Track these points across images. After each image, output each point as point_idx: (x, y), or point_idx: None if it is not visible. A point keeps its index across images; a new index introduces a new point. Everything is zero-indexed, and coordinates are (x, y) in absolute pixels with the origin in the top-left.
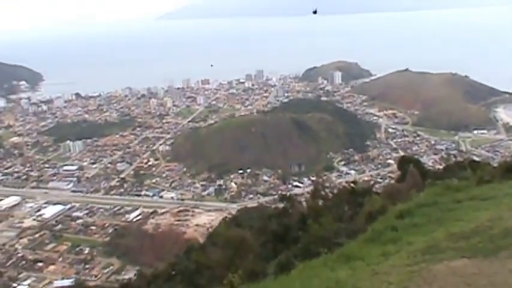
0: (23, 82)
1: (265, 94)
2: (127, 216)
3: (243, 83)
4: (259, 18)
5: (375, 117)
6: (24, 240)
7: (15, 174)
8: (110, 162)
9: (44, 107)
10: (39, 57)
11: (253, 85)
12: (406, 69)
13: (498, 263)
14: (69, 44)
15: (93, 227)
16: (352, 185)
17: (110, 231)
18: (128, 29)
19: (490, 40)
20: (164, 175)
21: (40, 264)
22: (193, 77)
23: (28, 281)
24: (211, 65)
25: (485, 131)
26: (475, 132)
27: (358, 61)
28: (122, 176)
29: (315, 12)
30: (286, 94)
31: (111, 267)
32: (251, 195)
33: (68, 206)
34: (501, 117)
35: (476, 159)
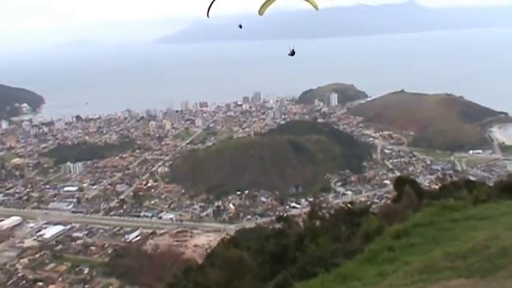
0: (25, 105)
1: (262, 116)
2: (126, 236)
3: (241, 105)
4: (255, 42)
5: (371, 138)
6: (25, 260)
7: (17, 195)
8: (109, 184)
9: (45, 129)
10: (41, 79)
11: (250, 107)
12: (402, 91)
13: (495, 283)
14: (70, 66)
15: (92, 248)
16: (349, 205)
17: (110, 251)
18: (127, 52)
19: (485, 61)
20: (163, 196)
21: (40, 284)
22: (192, 99)
23: None
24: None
25: (480, 151)
26: (471, 152)
27: (354, 83)
28: (122, 197)
29: (292, 54)
30: (283, 116)
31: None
32: (249, 216)
33: (68, 227)
34: (496, 137)
35: (472, 178)
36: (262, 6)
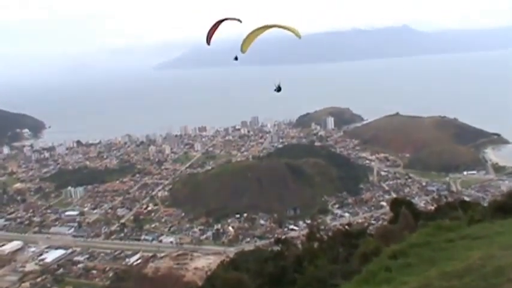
0: (26, 130)
1: (260, 140)
2: (127, 260)
3: (239, 129)
4: (253, 67)
5: (367, 161)
6: (26, 284)
7: (18, 220)
8: (110, 208)
9: (46, 154)
10: (42, 105)
11: (248, 132)
12: (397, 113)
13: None
14: (71, 92)
15: (94, 271)
16: (346, 227)
17: (111, 275)
18: (127, 78)
19: (477, 83)
20: (163, 220)
21: None
22: (191, 124)
23: None
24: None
25: (475, 172)
26: (465, 173)
27: (350, 106)
28: (122, 221)
29: (278, 90)
30: (280, 140)
31: None
32: (248, 239)
33: (69, 251)
34: (490, 157)
35: (467, 199)
36: (244, 44)
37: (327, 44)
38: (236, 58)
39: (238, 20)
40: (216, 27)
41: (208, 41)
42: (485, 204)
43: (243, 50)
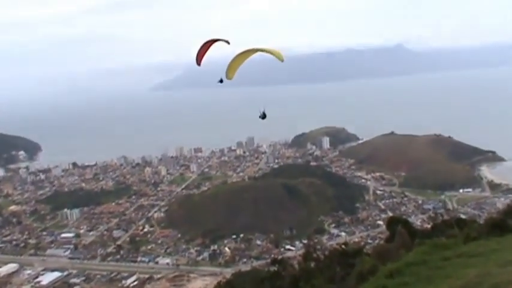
0: (22, 152)
1: (256, 161)
2: (123, 282)
3: (235, 150)
4: (247, 88)
5: (363, 180)
6: None
7: (14, 242)
8: (106, 230)
9: (42, 176)
10: (38, 127)
11: (244, 152)
12: (392, 133)
13: None
14: (67, 114)
15: None
16: (343, 246)
17: None
18: (122, 99)
19: (471, 101)
20: (159, 241)
21: None
22: (187, 145)
23: None
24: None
25: (470, 189)
26: (461, 190)
27: (345, 126)
28: (118, 242)
29: (263, 117)
30: (276, 160)
31: None
32: (245, 260)
33: (65, 273)
34: (485, 175)
35: (463, 217)
36: (229, 70)
37: (321, 64)
38: (221, 81)
39: (226, 42)
40: (206, 49)
41: (198, 62)
42: (481, 222)
43: (229, 77)
